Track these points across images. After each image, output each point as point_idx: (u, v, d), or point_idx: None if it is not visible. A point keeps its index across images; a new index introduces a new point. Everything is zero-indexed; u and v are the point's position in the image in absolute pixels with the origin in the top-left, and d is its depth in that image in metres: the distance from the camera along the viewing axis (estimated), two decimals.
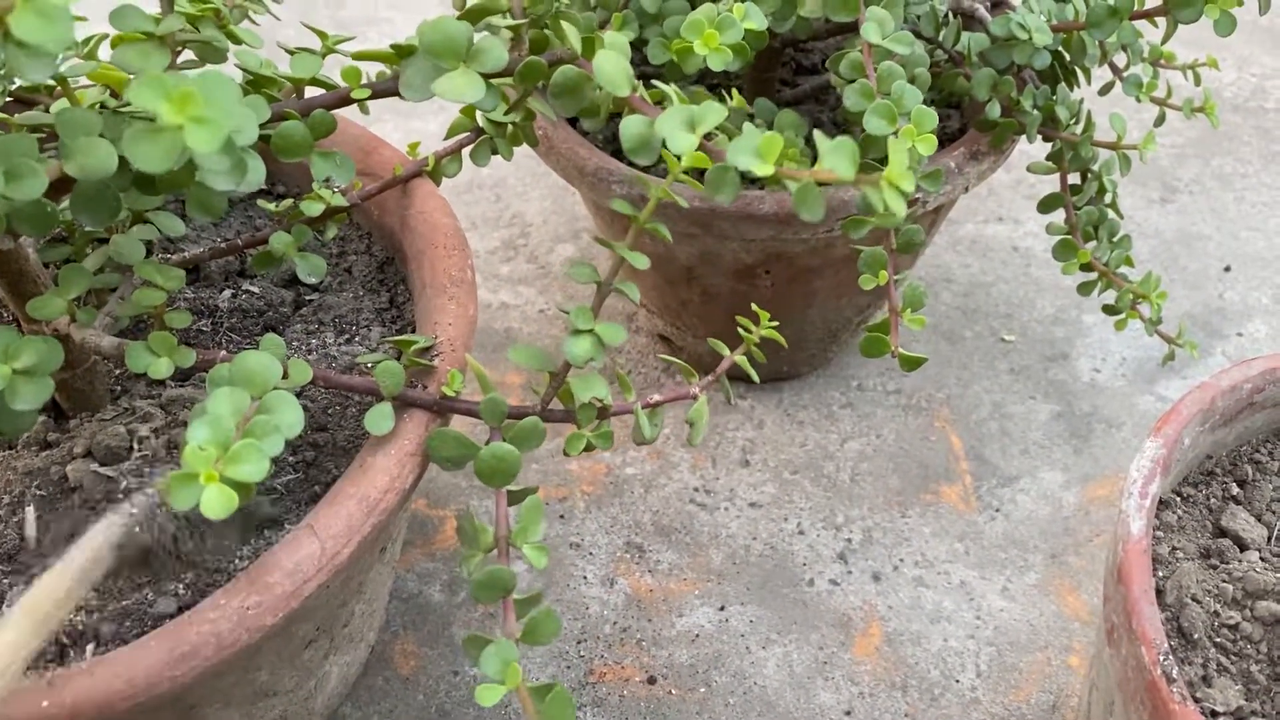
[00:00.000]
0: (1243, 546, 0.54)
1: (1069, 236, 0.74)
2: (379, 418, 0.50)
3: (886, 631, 0.72)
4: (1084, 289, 0.77)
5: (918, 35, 0.67)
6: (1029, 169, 0.74)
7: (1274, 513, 0.56)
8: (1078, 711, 0.66)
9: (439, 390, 0.52)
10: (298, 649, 0.53)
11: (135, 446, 0.53)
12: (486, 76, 0.47)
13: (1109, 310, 0.79)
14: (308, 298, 0.64)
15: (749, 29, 0.54)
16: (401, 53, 0.50)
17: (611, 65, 0.48)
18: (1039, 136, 0.71)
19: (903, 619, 0.73)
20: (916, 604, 0.74)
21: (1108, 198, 0.74)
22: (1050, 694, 0.69)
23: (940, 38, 0.68)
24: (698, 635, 0.72)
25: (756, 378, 0.59)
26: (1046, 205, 0.74)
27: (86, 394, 0.56)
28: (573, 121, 0.76)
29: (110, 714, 0.42)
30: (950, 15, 0.69)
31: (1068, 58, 0.69)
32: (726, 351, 0.58)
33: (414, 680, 0.69)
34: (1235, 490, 0.57)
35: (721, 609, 0.73)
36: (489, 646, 0.46)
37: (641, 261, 0.52)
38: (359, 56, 0.53)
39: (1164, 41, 0.69)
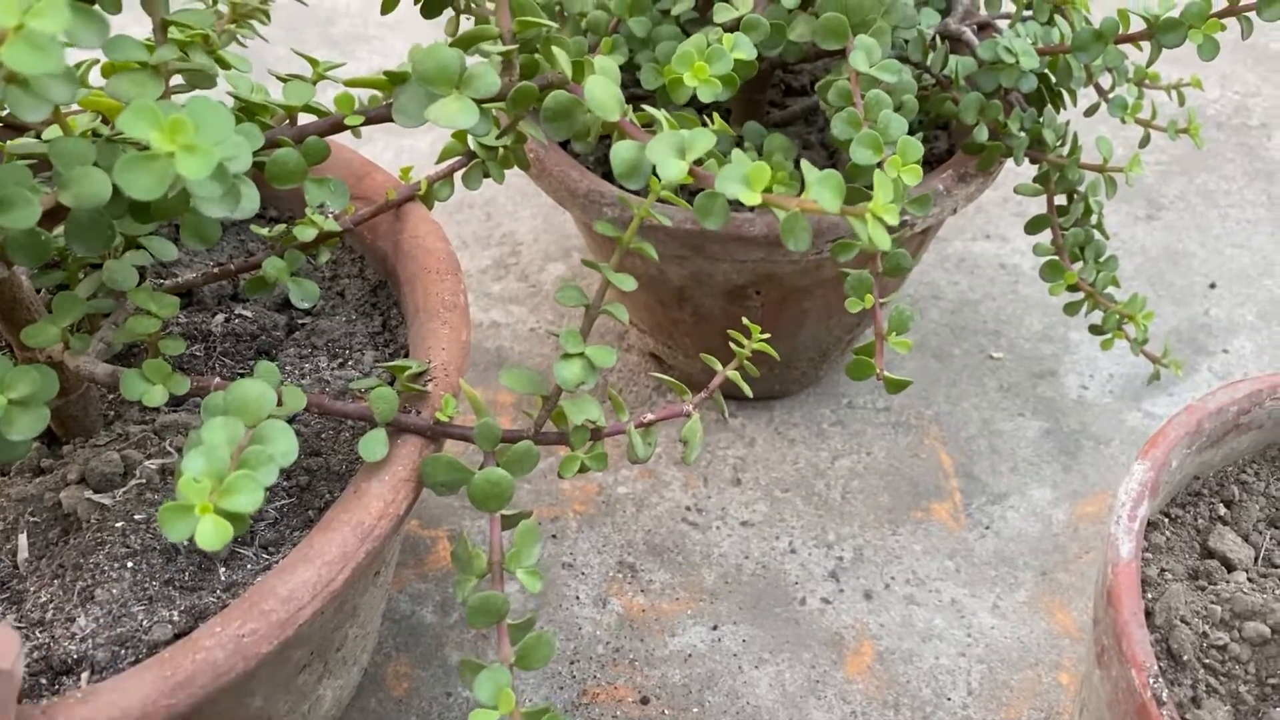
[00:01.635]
0: (1230, 567, 0.54)
1: (1056, 258, 0.75)
2: (373, 444, 0.50)
3: (878, 650, 0.73)
4: (1071, 309, 0.77)
5: (905, 60, 0.68)
6: (1016, 190, 0.74)
7: (1260, 533, 0.57)
8: None
9: (433, 416, 0.52)
10: (292, 674, 0.53)
11: (130, 473, 0.53)
12: (479, 102, 0.48)
13: (1095, 330, 0.80)
14: (300, 321, 0.64)
15: (738, 59, 0.54)
16: (394, 79, 0.50)
17: (602, 91, 0.49)
18: (1026, 158, 0.71)
19: (894, 637, 0.73)
20: (908, 622, 0.74)
21: (1094, 218, 0.75)
22: (1041, 711, 0.69)
23: (928, 62, 0.68)
24: (690, 655, 0.72)
25: (750, 392, 0.59)
26: (1034, 226, 0.75)
27: (80, 419, 0.56)
28: (564, 144, 0.76)
29: None
30: (938, 39, 0.70)
31: (1054, 80, 0.70)
32: (720, 367, 0.59)
33: (407, 702, 0.69)
34: (1222, 511, 0.57)
35: (714, 628, 0.74)
36: (483, 672, 0.46)
37: (628, 284, 0.52)
38: (351, 84, 0.54)
39: (1149, 64, 0.69)
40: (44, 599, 0.50)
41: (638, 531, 0.79)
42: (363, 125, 0.53)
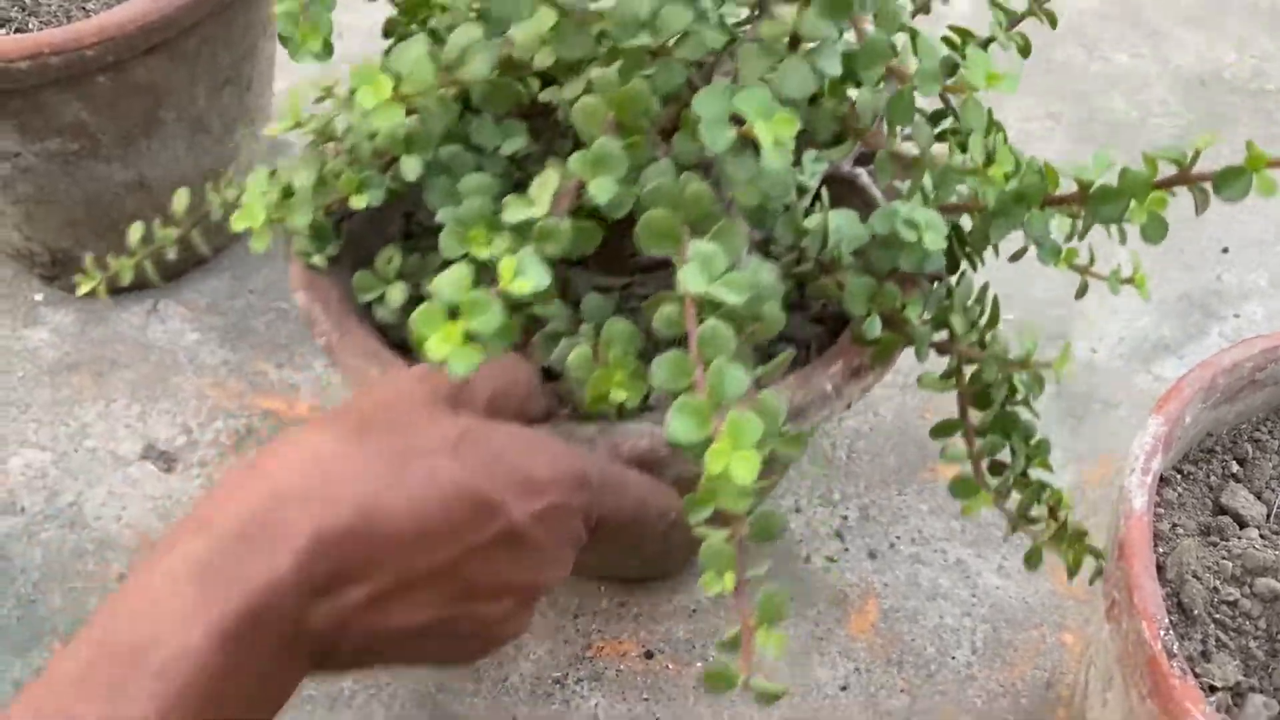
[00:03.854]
0: (1242, 524, 0.54)
1: (970, 477, 0.55)
2: None
3: (883, 608, 0.72)
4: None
5: (768, 249, 0.54)
6: (919, 383, 0.54)
7: (1273, 490, 0.56)
8: (1072, 688, 0.67)
9: None
10: (219, 79, 0.82)
11: None
12: None
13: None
14: None
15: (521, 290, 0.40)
16: None
17: None
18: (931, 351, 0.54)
19: (899, 596, 0.73)
20: (913, 581, 0.74)
21: (1019, 395, 0.55)
22: (1044, 670, 0.69)
23: (803, 244, 0.53)
24: (695, 610, 0.72)
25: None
26: (939, 432, 0.56)
27: None
28: None
29: (124, 45, 0.74)
30: (822, 193, 0.54)
31: (966, 247, 0.54)
32: None
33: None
34: (1235, 468, 0.57)
35: None
36: None
37: None
38: None
39: (1081, 237, 0.51)
40: (53, 6, 0.82)
41: None
42: None
